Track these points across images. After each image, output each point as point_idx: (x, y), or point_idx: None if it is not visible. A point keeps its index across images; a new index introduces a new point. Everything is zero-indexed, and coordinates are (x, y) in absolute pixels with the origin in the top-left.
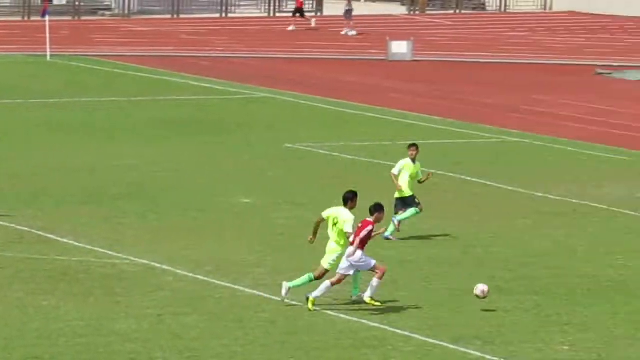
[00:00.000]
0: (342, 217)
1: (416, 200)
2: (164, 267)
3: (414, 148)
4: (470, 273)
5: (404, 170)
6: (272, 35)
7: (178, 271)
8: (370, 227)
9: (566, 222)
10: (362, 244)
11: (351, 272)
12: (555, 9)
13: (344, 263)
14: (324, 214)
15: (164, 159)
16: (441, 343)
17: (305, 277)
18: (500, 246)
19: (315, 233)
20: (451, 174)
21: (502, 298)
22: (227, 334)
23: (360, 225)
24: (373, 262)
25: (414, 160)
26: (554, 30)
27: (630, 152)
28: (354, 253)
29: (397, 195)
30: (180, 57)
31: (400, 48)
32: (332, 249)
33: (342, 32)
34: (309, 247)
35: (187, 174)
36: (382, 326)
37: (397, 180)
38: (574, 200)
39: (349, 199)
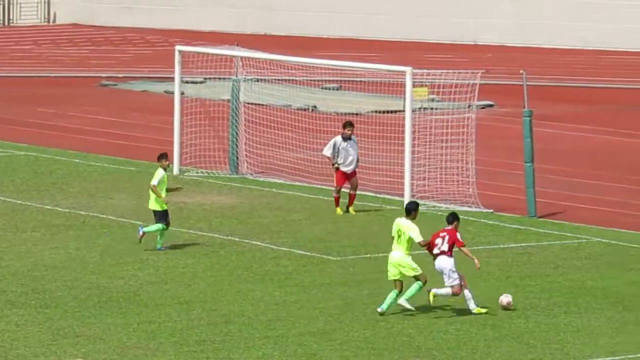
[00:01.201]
0: (408, 228)
1: (168, 218)
2: None
3: (167, 158)
4: None
5: (162, 182)
6: None
7: None
8: (458, 235)
9: (76, 234)
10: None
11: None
12: (58, 21)
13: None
14: (393, 232)
15: None
16: None
17: (415, 287)
18: (10, 259)
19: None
20: None
21: (13, 312)
22: None
23: (445, 234)
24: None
25: (165, 170)
26: (58, 43)
27: (137, 162)
28: (472, 255)
29: (156, 207)
30: None
31: None
32: (401, 257)
33: None
34: None
35: None
36: None
37: (158, 191)
38: (82, 212)
39: (413, 210)
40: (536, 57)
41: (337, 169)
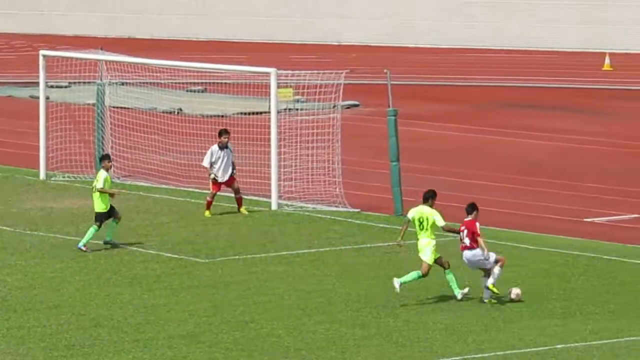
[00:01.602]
0: (431, 214)
1: (115, 212)
2: None
3: (109, 159)
4: None
5: (106, 182)
6: None
7: None
8: (477, 225)
9: None
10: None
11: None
12: None
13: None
14: (409, 216)
15: None
16: None
17: (414, 274)
18: None
19: (403, 236)
20: None
21: None
22: None
23: (464, 228)
24: (493, 256)
25: (107, 171)
26: None
27: (3, 167)
28: (485, 246)
29: (100, 209)
30: None
31: None
32: (426, 243)
33: None
34: None
35: None
36: None
37: (107, 190)
38: None
39: (431, 197)
40: (404, 56)
41: (215, 180)
